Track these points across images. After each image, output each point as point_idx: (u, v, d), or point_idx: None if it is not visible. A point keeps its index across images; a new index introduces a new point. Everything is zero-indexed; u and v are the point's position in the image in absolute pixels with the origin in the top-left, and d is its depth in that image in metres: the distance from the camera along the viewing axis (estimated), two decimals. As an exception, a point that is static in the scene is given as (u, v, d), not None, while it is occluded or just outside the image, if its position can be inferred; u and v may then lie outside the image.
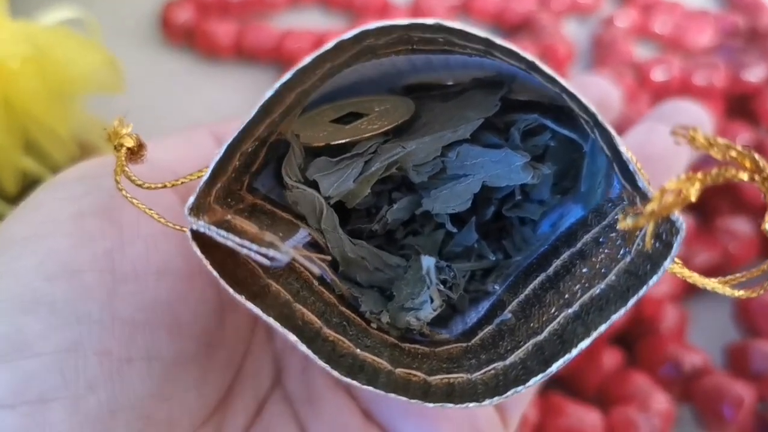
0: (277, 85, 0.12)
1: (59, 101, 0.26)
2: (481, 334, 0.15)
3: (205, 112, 0.34)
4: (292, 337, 0.12)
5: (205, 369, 0.16)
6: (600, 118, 0.12)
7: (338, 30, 0.36)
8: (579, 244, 0.15)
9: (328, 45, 0.11)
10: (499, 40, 0.11)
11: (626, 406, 0.25)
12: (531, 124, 0.16)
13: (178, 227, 0.14)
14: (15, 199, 0.26)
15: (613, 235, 0.14)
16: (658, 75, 0.34)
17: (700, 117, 0.22)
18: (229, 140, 0.12)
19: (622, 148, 0.12)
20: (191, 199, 0.12)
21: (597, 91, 0.25)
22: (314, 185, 0.15)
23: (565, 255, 0.15)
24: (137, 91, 0.30)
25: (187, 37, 0.36)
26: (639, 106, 0.33)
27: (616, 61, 0.36)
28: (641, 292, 0.12)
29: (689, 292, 0.28)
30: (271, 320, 0.12)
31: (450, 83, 0.17)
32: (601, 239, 0.14)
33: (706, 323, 0.28)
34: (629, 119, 0.30)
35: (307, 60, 0.12)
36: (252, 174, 0.15)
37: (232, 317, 0.17)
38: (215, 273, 0.12)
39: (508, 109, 0.16)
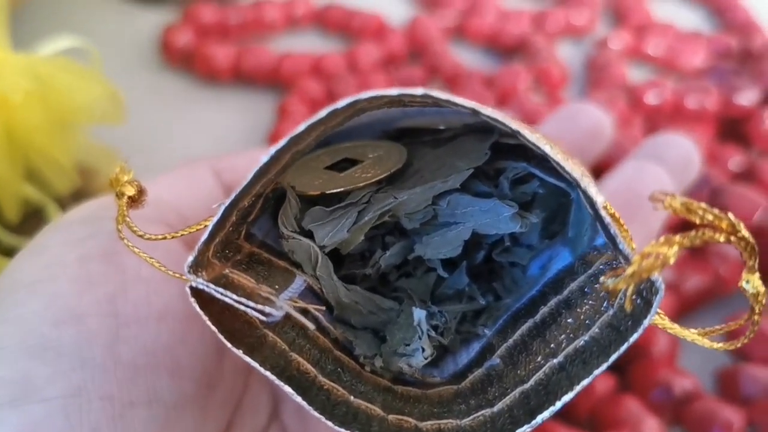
0: (273, 150, 0.12)
1: (61, 131, 0.26)
2: (470, 378, 0.15)
3: (204, 135, 0.34)
4: (288, 389, 0.13)
5: (205, 409, 0.16)
6: (583, 184, 0.12)
7: (335, 53, 0.37)
8: (565, 293, 0.15)
9: (321, 113, 0.12)
10: (485, 110, 0.12)
11: (618, 431, 0.25)
12: (520, 173, 0.16)
13: (177, 275, 0.14)
14: (16, 227, 0.27)
15: (597, 286, 0.14)
16: (651, 98, 0.35)
17: (689, 151, 0.23)
18: (227, 202, 0.13)
19: (603, 213, 0.12)
20: (190, 258, 0.13)
21: (590, 119, 0.25)
22: (309, 234, 0.16)
23: (552, 303, 0.15)
24: (136, 113, 0.30)
25: (186, 60, 0.36)
26: (632, 130, 0.33)
27: (609, 83, 0.36)
28: (622, 349, 0.12)
29: (680, 316, 0.29)
30: (268, 373, 0.13)
31: (442, 127, 0.18)
32: (586, 289, 0.15)
33: (696, 348, 0.28)
34: (622, 145, 0.31)
35: (301, 127, 0.12)
36: (249, 223, 0.15)
37: (230, 356, 0.17)
38: (214, 328, 0.13)
39: (497, 154, 0.17)
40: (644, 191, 0.21)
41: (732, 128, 0.35)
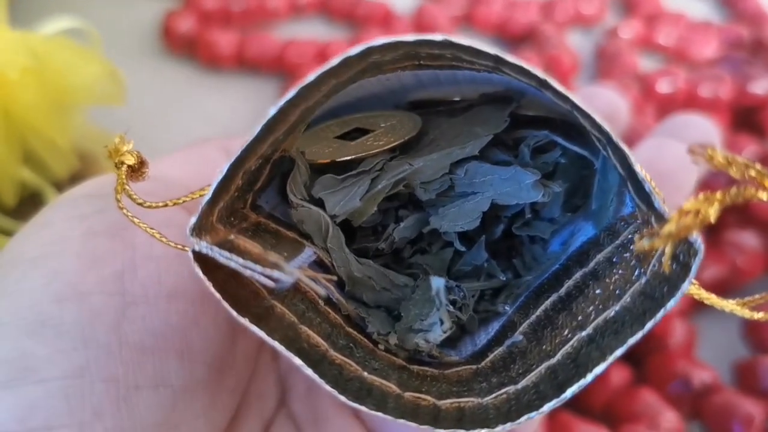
0: (281, 102, 0.11)
1: (59, 112, 0.25)
2: (491, 357, 0.15)
3: (207, 123, 0.34)
4: (298, 361, 0.12)
5: (214, 395, 0.15)
6: (614, 136, 0.11)
7: (341, 40, 0.36)
8: (591, 264, 0.14)
9: (334, 61, 0.11)
10: (509, 57, 0.11)
11: (635, 424, 0.24)
12: (541, 141, 0.16)
13: (180, 246, 0.13)
14: (13, 211, 0.26)
15: (627, 255, 0.13)
16: (663, 87, 0.34)
17: (709, 131, 0.22)
18: (232, 159, 0.12)
19: (637, 167, 0.11)
20: (193, 220, 0.12)
21: (605, 103, 0.24)
22: (320, 203, 0.15)
23: (577, 275, 0.14)
24: (138, 100, 0.29)
25: (188, 46, 0.35)
26: (644, 118, 0.33)
27: (620, 72, 0.36)
28: (658, 316, 0.11)
29: (697, 307, 0.28)
30: (276, 343, 0.12)
31: (457, 99, 0.17)
32: (614, 259, 0.14)
33: (714, 339, 0.27)
34: (635, 131, 0.30)
35: (311, 77, 0.11)
36: (255, 192, 0.15)
37: (243, 341, 0.16)
38: (218, 295, 0.12)
39: (517, 125, 0.16)
40: (666, 168, 0.20)
41: (746, 118, 0.34)
